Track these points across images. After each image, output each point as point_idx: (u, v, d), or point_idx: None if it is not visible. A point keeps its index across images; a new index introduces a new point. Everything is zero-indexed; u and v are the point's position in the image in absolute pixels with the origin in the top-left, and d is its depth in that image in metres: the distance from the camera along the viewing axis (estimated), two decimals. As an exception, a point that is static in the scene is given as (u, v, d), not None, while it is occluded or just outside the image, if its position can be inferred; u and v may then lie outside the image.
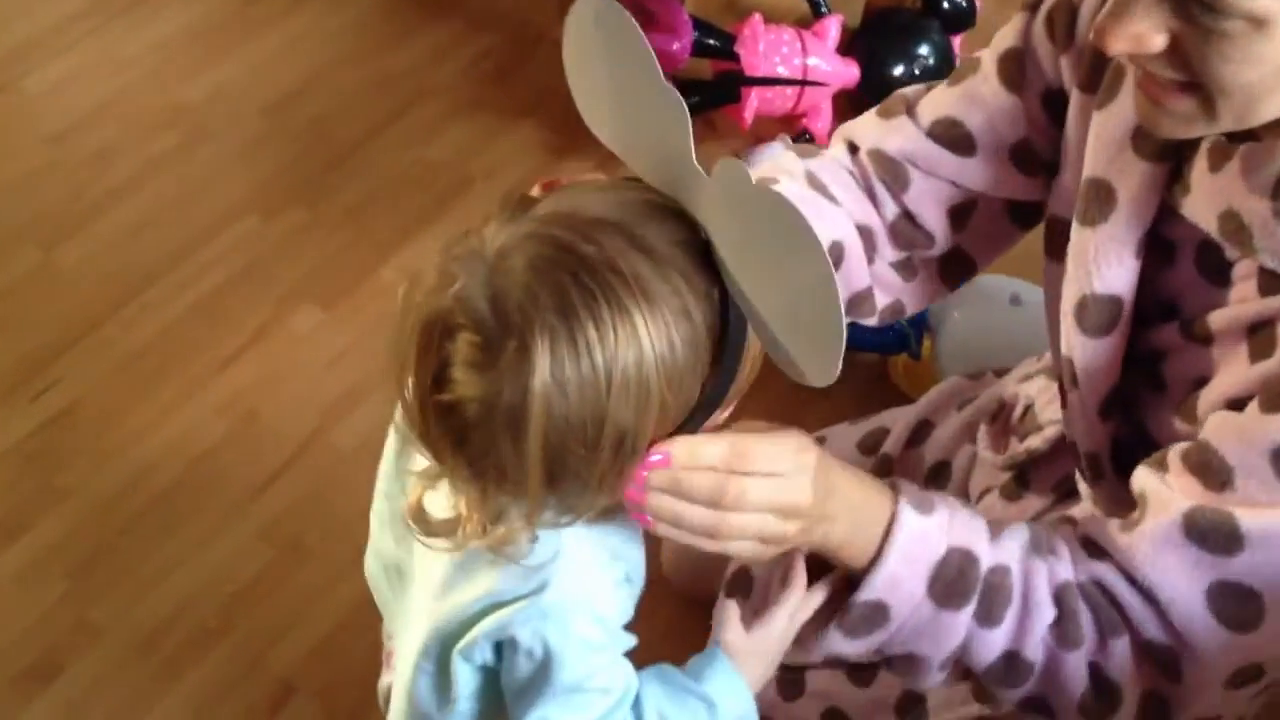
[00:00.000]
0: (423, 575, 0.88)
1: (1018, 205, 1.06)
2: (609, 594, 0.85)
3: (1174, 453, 0.86)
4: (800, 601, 0.89)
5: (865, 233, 1.06)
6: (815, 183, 1.05)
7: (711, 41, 1.98)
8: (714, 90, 1.99)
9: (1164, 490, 0.85)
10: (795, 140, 1.96)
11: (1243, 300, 0.88)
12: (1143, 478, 0.87)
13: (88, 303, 1.75)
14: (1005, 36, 1.03)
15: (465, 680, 0.86)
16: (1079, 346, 0.98)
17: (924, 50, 1.97)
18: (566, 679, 0.83)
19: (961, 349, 1.62)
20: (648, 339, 0.72)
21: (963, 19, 2.01)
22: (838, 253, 1.02)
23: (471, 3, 2.15)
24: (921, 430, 1.25)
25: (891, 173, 1.07)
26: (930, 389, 1.35)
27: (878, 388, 1.70)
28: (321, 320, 1.75)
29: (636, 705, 0.86)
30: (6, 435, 1.62)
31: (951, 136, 1.05)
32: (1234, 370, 0.87)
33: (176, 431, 1.64)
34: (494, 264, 0.73)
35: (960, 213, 1.07)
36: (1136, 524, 0.85)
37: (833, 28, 1.99)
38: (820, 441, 1.27)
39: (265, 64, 2.05)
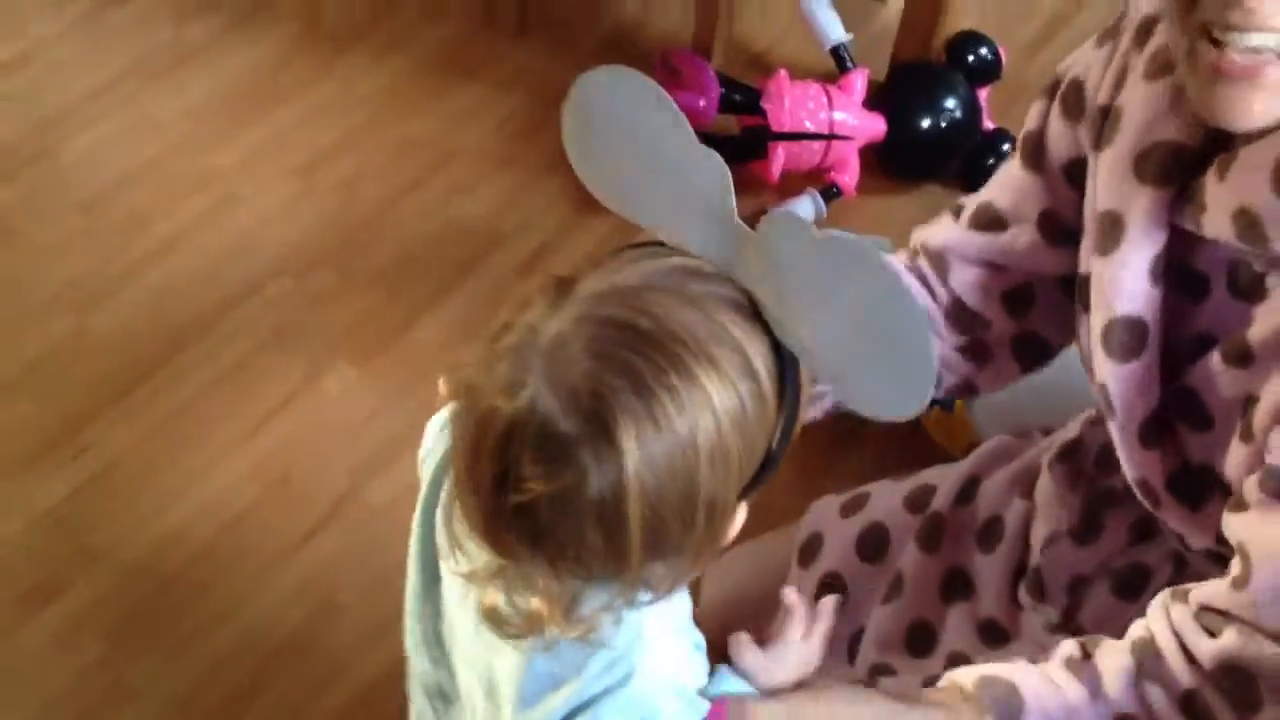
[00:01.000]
0: (469, 693, 0.87)
1: (1070, 281, 1.07)
2: (686, 665, 0.83)
3: (1250, 487, 0.86)
4: (808, 618, 0.90)
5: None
6: None
7: (738, 97, 1.99)
8: (741, 146, 2.00)
9: (1260, 529, 0.85)
10: (823, 194, 1.97)
11: (1277, 310, 0.89)
12: (1235, 528, 0.87)
13: (121, 367, 1.76)
14: (1027, 122, 1.08)
15: None
16: (1110, 374, 0.99)
17: (950, 103, 1.98)
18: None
19: (993, 403, 1.61)
20: (719, 400, 0.71)
21: (989, 72, 2.02)
22: None
23: (496, 66, 2.18)
24: (970, 487, 1.24)
25: (935, 262, 1.13)
26: (965, 442, 1.35)
27: (910, 442, 1.69)
28: (354, 380, 1.76)
29: None
30: (41, 499, 1.63)
31: (984, 220, 1.10)
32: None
33: (210, 493, 1.64)
34: (552, 354, 0.71)
35: (1016, 296, 1.12)
36: (1247, 577, 0.85)
37: (859, 82, 2.00)
38: (864, 499, 1.27)
39: (295, 128, 2.08)
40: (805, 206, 1.95)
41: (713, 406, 0.71)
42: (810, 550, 1.28)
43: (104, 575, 1.57)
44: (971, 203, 1.13)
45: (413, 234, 1.94)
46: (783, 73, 1.98)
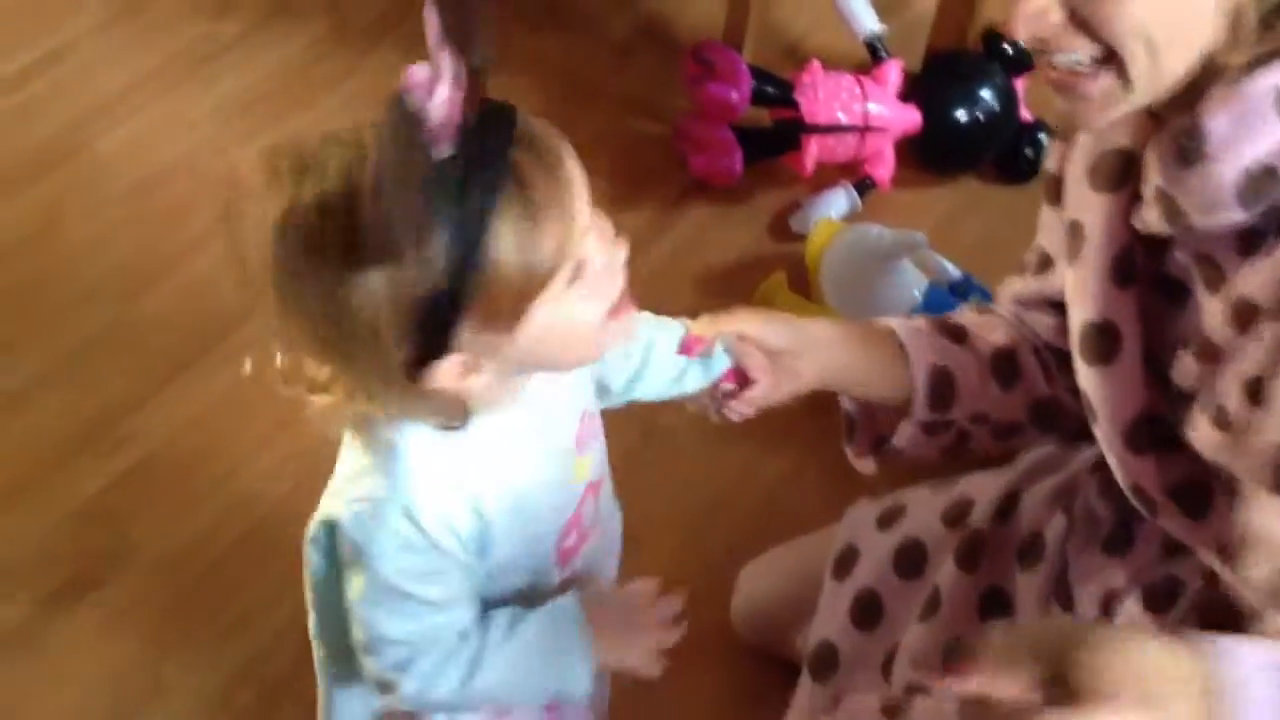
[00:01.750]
0: None
1: None
2: (441, 507, 0.89)
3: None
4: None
5: (1037, 354, 1.17)
6: (948, 327, 1.19)
7: (770, 89, 1.98)
8: (774, 138, 1.99)
9: None
10: (857, 187, 1.96)
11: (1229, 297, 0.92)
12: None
13: (160, 358, 1.77)
14: (1047, 162, 1.11)
15: (314, 568, 0.96)
16: (1086, 377, 1.02)
17: (986, 94, 1.96)
18: (382, 572, 0.89)
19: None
20: None
21: (1024, 61, 2.00)
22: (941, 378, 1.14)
23: (525, 57, 2.17)
24: (1010, 501, 1.21)
25: (1022, 312, 1.19)
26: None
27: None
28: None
29: (476, 640, 0.93)
30: (80, 489, 1.64)
31: (1038, 262, 1.15)
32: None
33: (249, 484, 1.65)
34: None
35: None
36: None
37: (893, 73, 1.99)
38: (900, 511, 1.26)
39: (327, 121, 2.06)
40: (839, 199, 1.94)
41: None
42: (845, 563, 1.28)
43: (142, 567, 1.57)
44: (1031, 250, 1.17)
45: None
46: (816, 64, 1.97)
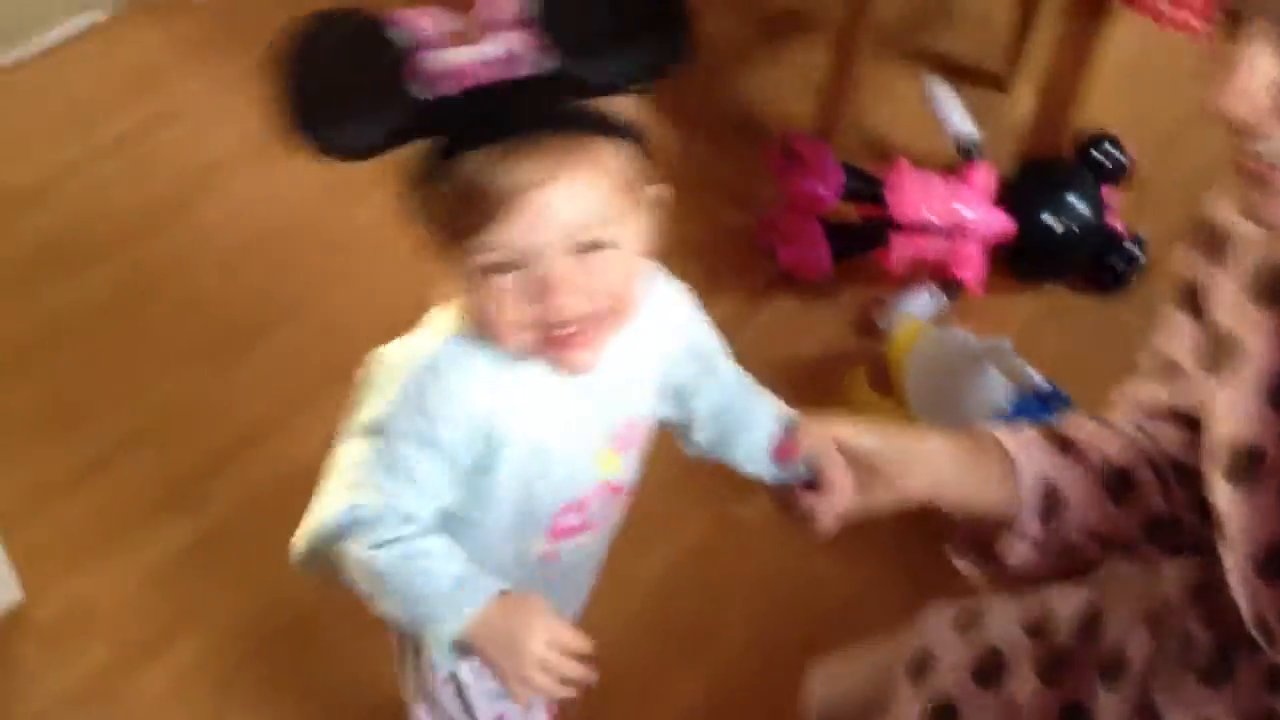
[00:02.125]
0: None
1: None
2: (465, 400, 0.95)
3: None
4: None
5: (1155, 468, 1.12)
6: (1056, 437, 1.15)
7: (860, 185, 1.99)
8: (861, 235, 2.00)
9: None
10: (944, 288, 1.96)
11: None
12: None
13: (247, 423, 1.80)
14: (1178, 267, 1.08)
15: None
16: (1224, 496, 0.97)
17: (1078, 202, 1.96)
18: (385, 415, 0.96)
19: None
20: None
21: (1118, 172, 2.00)
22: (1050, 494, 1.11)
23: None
24: (1094, 617, 1.17)
25: (1140, 423, 1.15)
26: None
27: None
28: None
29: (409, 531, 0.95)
30: (160, 549, 1.67)
31: (1162, 370, 1.11)
32: None
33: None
34: None
35: None
36: None
37: (985, 176, 1.99)
38: (979, 616, 1.24)
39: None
40: (925, 299, 1.95)
41: None
42: (921, 667, 1.25)
43: (217, 627, 1.60)
44: (1151, 356, 1.13)
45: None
46: (906, 162, 1.98)
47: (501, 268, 0.89)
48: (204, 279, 1.99)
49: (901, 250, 1.94)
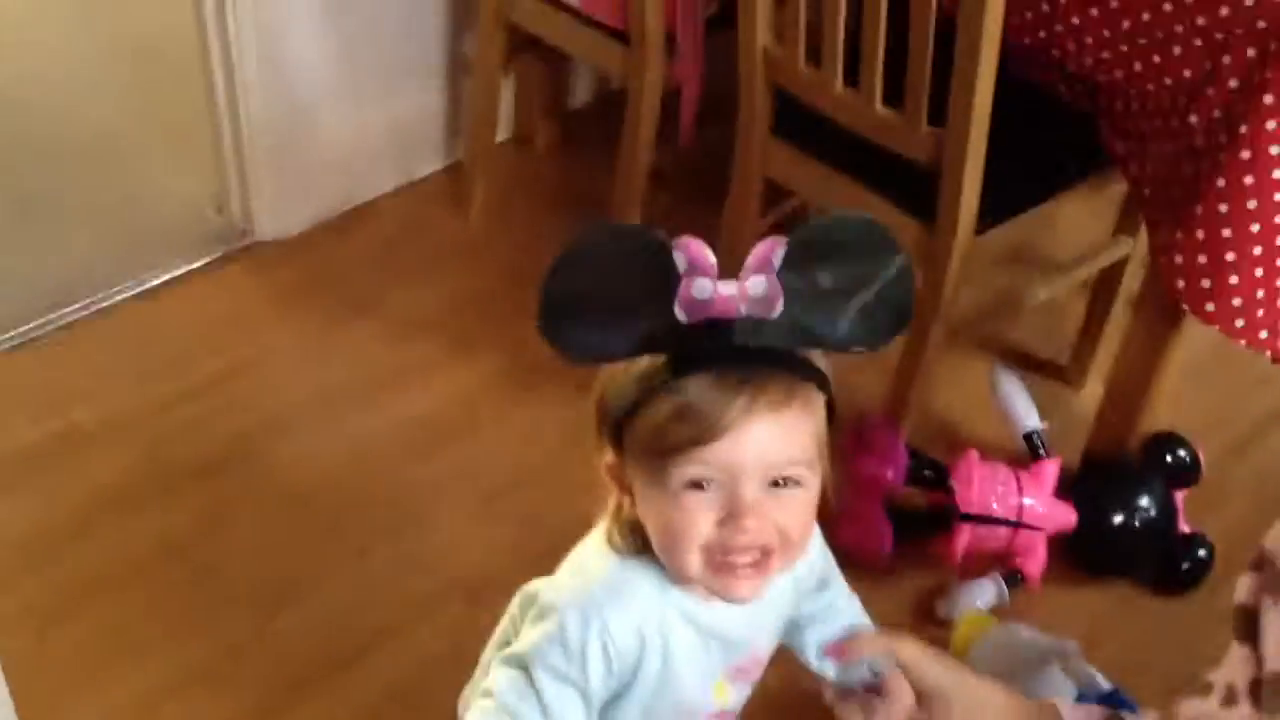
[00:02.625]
0: None
1: None
2: (612, 630, 1.01)
3: None
4: None
5: None
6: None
7: (926, 472, 1.99)
8: (926, 520, 1.99)
9: None
10: (1006, 580, 1.93)
11: None
12: None
13: (297, 671, 1.79)
14: (1236, 594, 1.07)
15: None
16: None
17: (1144, 502, 1.94)
18: (532, 653, 1.02)
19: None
20: None
21: (1186, 474, 1.98)
22: None
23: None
24: None
25: None
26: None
27: None
28: None
29: None
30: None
31: (1224, 697, 1.08)
32: None
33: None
34: None
35: None
36: None
37: (1051, 470, 1.98)
38: None
39: (490, 452, 2.15)
40: (987, 590, 1.91)
41: None
42: None
43: None
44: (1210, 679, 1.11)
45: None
46: (973, 452, 1.98)
47: (702, 484, 0.95)
48: (270, 520, 2.01)
49: (964, 539, 1.92)
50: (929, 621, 1.91)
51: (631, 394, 0.97)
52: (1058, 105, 1.94)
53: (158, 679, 1.78)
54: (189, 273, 2.44)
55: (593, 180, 2.61)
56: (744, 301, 0.92)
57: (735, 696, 1.13)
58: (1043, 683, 1.68)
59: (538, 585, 1.08)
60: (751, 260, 0.92)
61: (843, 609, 1.21)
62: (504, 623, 1.12)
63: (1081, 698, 1.67)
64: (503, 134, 2.74)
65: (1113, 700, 1.66)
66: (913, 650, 1.13)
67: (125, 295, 2.38)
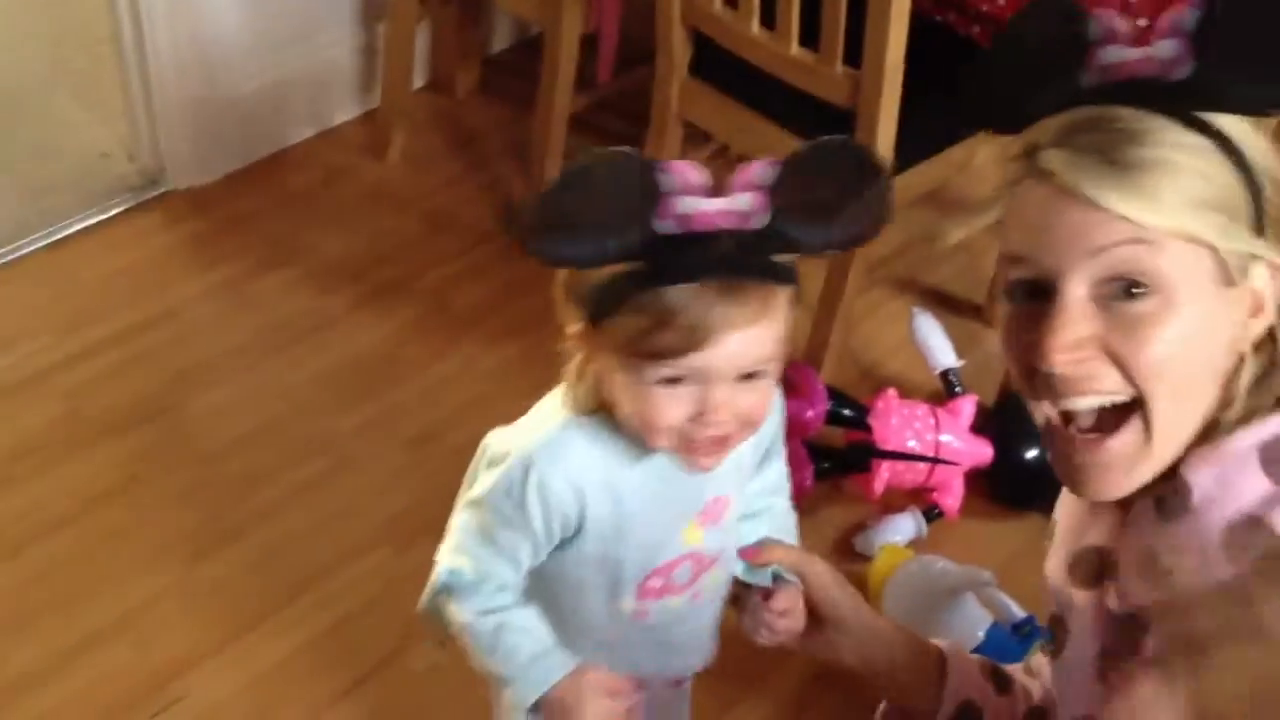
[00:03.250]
0: None
1: None
2: (552, 484, 1.08)
3: None
4: None
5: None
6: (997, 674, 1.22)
7: (845, 412, 2.02)
8: (845, 459, 2.02)
9: None
10: (925, 514, 1.97)
11: None
12: None
13: (220, 621, 1.79)
14: None
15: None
16: None
17: (1058, 435, 1.98)
18: (473, 492, 1.13)
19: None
20: None
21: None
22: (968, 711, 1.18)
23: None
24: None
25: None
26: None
27: None
28: (437, 660, 1.75)
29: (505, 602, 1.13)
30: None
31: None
32: None
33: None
34: None
35: None
36: None
37: (967, 407, 2.02)
38: None
39: (413, 402, 2.14)
40: (905, 525, 1.95)
41: None
42: None
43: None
44: None
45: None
46: (891, 391, 2.02)
47: (675, 381, 1.01)
48: (185, 475, 1.99)
49: (883, 476, 1.96)
50: (849, 556, 1.94)
51: (611, 292, 1.01)
52: (972, 46, 1.96)
53: (87, 625, 1.77)
54: (101, 223, 2.40)
55: (513, 125, 2.61)
56: (728, 216, 0.96)
57: (710, 541, 1.17)
58: (958, 612, 1.73)
59: (494, 436, 1.15)
60: (739, 178, 0.97)
61: (776, 517, 1.25)
62: (469, 470, 1.19)
63: (996, 626, 1.72)
64: (421, 80, 2.72)
65: (1026, 626, 1.71)
66: (820, 571, 1.18)
67: (36, 245, 2.34)
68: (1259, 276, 0.91)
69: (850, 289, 2.05)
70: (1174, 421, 0.90)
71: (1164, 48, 0.88)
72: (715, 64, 2.03)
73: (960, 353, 2.10)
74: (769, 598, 1.18)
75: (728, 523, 1.19)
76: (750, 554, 1.20)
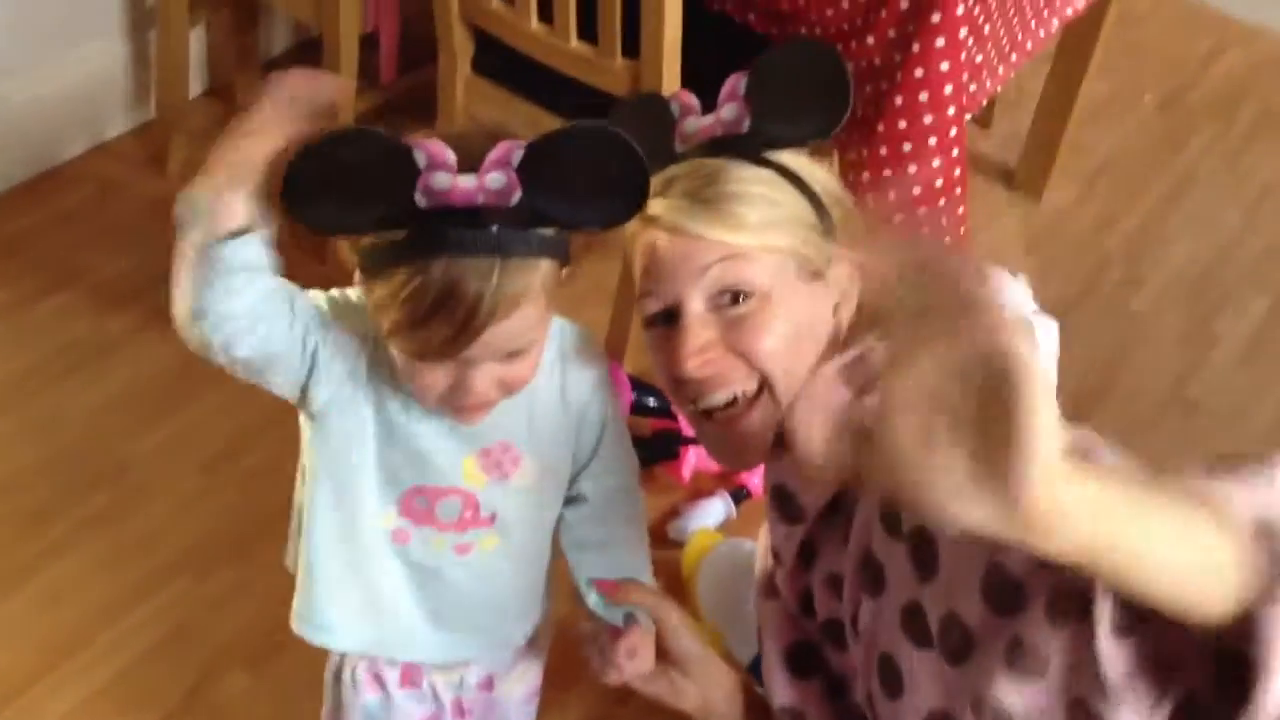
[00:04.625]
0: None
1: None
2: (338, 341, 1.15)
3: None
4: None
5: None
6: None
7: (650, 401, 2.03)
8: (653, 447, 2.03)
9: None
10: (733, 496, 1.99)
11: None
12: None
13: (9, 670, 1.70)
14: None
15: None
16: None
17: (855, 410, 2.03)
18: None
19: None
20: None
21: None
22: None
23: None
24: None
25: None
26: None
27: None
28: (247, 687, 1.70)
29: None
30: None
31: None
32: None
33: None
34: None
35: None
36: None
37: (767, 388, 2.05)
38: None
39: (210, 418, 2.07)
40: (715, 508, 1.97)
41: None
42: None
43: None
44: None
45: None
46: (694, 377, 2.03)
47: (429, 356, 1.06)
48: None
49: (691, 461, 1.97)
50: (664, 544, 1.95)
51: (379, 257, 1.05)
52: (749, 34, 1.98)
53: None
54: None
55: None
56: (482, 193, 1.01)
57: (490, 494, 1.20)
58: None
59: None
60: (491, 158, 1.01)
61: (624, 550, 1.28)
62: None
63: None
64: (199, 88, 2.62)
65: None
66: (674, 617, 1.22)
67: None
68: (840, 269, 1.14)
69: (647, 278, 2.06)
70: (791, 388, 1.11)
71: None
72: (498, 60, 2.01)
73: (758, 335, 2.12)
74: (618, 637, 1.19)
75: (516, 486, 1.20)
76: (608, 589, 1.22)
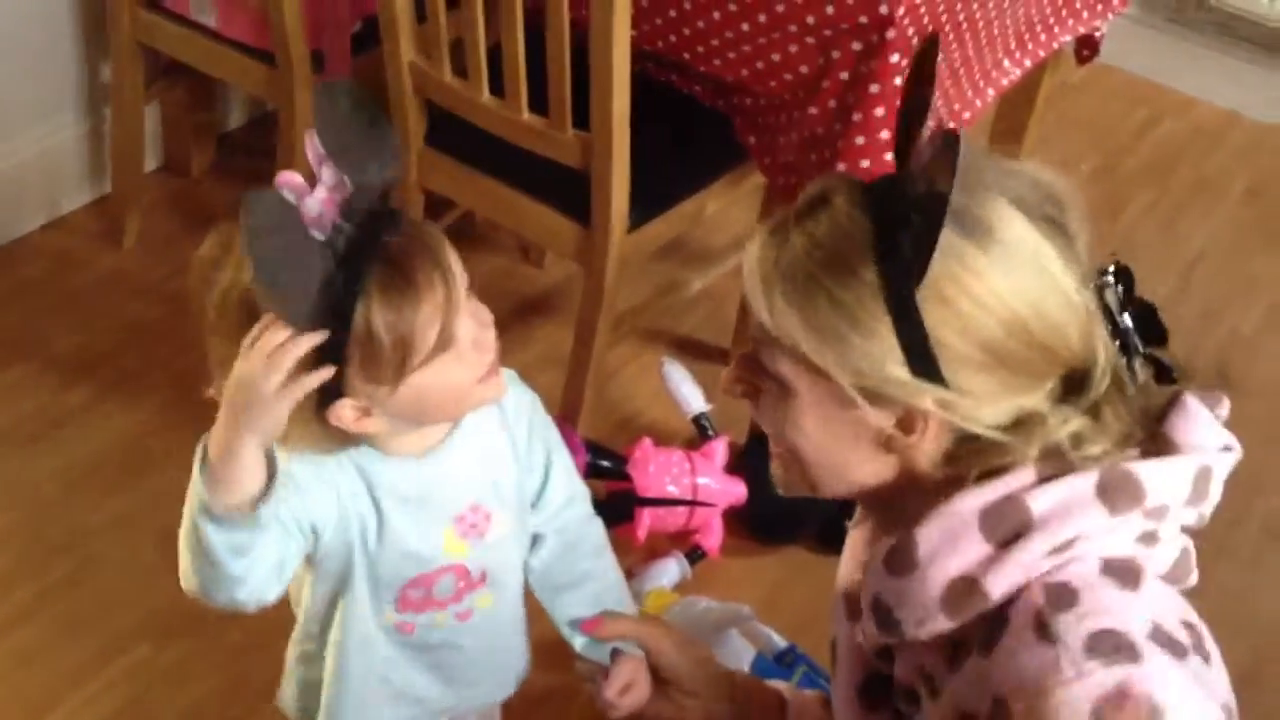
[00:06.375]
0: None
1: None
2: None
3: None
4: None
5: None
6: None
7: (605, 463, 2.06)
8: (608, 510, 2.01)
9: None
10: (688, 556, 2.02)
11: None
12: None
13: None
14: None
15: None
16: None
17: (806, 469, 2.07)
18: None
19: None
20: None
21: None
22: None
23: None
24: None
25: None
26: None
27: None
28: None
29: None
30: None
31: None
32: None
33: None
34: None
35: None
36: None
37: (720, 449, 2.09)
38: None
39: (164, 491, 2.07)
40: (670, 568, 2.00)
41: None
42: None
43: None
44: None
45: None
46: (647, 440, 2.07)
47: (450, 346, 1.05)
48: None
49: (645, 523, 2.00)
50: (619, 606, 1.97)
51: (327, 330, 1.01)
52: (696, 105, 2.05)
53: None
54: None
55: (252, 204, 2.57)
56: (336, 189, 0.98)
57: (474, 556, 1.19)
58: (723, 648, 1.78)
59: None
60: (310, 159, 0.99)
61: (598, 583, 1.29)
62: None
63: (760, 657, 1.78)
64: (154, 162, 2.66)
65: (789, 655, 1.78)
66: (659, 637, 1.24)
67: None
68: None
69: (600, 344, 2.10)
70: (818, 481, 1.06)
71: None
72: (451, 133, 2.06)
73: (710, 397, 2.17)
74: (608, 676, 1.22)
75: (494, 540, 1.21)
76: (590, 626, 1.24)
